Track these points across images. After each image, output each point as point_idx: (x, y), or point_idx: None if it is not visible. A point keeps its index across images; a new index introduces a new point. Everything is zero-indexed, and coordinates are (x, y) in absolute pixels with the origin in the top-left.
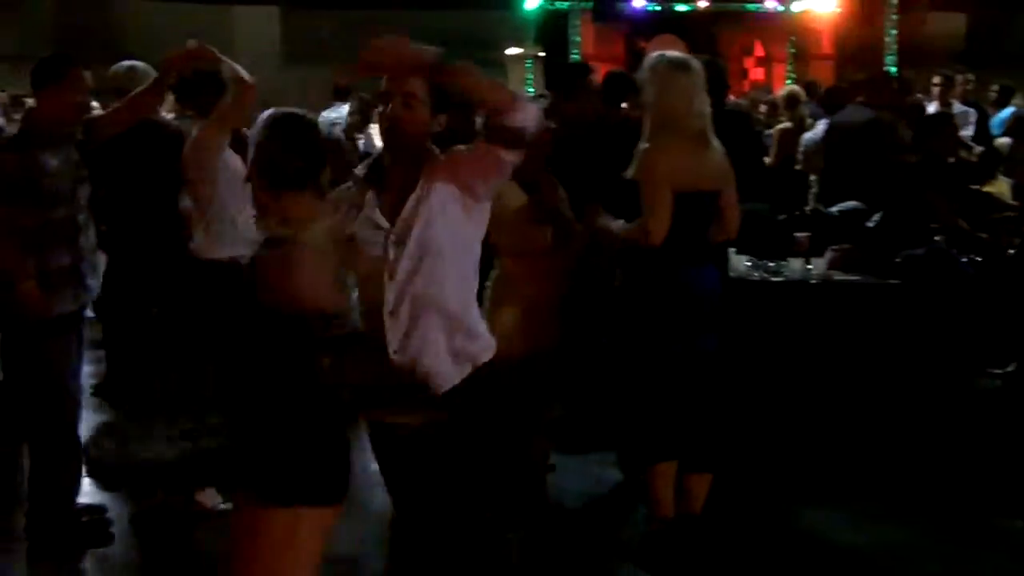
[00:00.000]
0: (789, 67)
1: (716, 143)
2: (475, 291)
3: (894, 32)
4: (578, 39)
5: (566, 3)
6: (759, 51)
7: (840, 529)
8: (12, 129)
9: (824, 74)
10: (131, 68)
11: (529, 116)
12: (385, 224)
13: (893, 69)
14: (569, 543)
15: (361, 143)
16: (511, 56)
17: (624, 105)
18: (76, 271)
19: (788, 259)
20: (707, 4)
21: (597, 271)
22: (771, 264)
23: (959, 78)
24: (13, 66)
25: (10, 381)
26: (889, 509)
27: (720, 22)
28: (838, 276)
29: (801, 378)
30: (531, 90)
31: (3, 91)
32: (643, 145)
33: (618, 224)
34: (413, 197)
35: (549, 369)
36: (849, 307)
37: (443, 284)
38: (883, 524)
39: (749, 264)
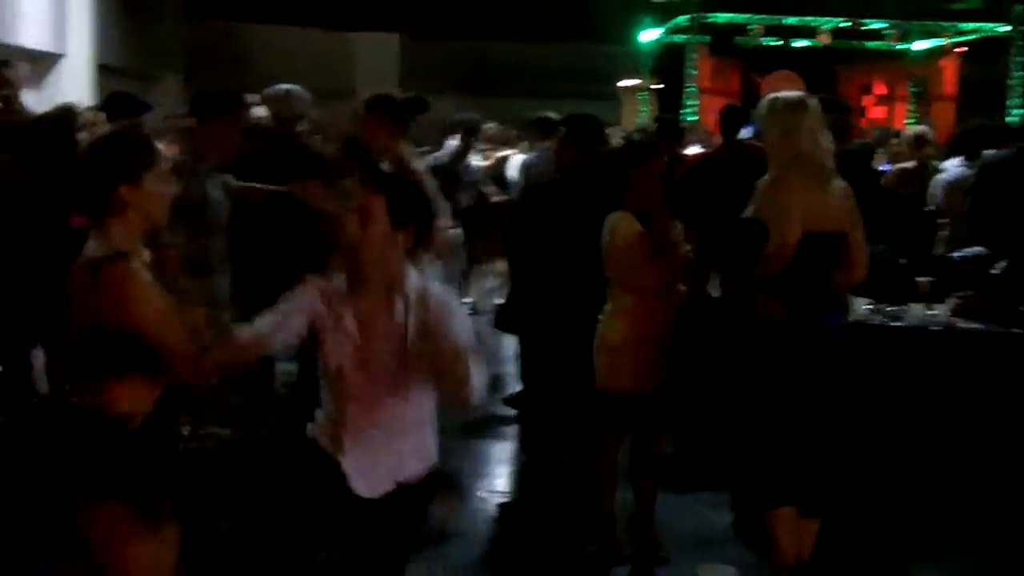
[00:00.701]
0: (910, 107)
1: (840, 182)
2: None
3: (1019, 75)
4: (694, 72)
5: (683, 36)
6: (879, 89)
7: None
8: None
9: (946, 115)
10: (288, 93)
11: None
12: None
13: (1017, 111)
14: None
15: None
16: (624, 88)
17: (741, 137)
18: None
19: (909, 304)
20: (827, 40)
21: (710, 306)
22: (891, 308)
23: None
24: (143, 84)
25: None
26: (1009, 567)
27: (839, 59)
28: (961, 323)
29: (918, 426)
30: (643, 120)
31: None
32: (765, 180)
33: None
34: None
35: (658, 405)
36: (971, 356)
37: None
38: None
39: (869, 308)
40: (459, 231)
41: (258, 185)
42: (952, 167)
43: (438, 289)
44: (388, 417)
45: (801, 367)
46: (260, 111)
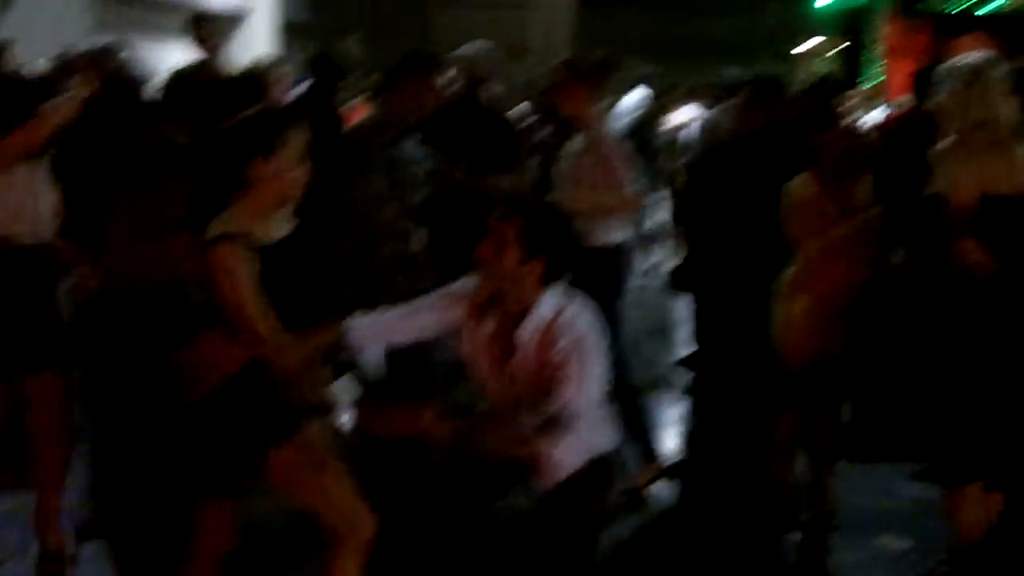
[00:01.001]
0: None
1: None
2: None
3: None
4: (882, 33)
5: None
6: None
7: None
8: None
9: None
10: (478, 52)
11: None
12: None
13: None
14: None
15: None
16: (800, 53)
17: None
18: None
19: None
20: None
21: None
22: None
23: None
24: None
25: None
26: None
27: None
28: None
29: None
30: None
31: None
32: (939, 149)
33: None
34: None
35: (838, 373)
36: None
37: None
38: None
39: None
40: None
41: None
42: None
43: (577, 326)
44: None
45: (1004, 328)
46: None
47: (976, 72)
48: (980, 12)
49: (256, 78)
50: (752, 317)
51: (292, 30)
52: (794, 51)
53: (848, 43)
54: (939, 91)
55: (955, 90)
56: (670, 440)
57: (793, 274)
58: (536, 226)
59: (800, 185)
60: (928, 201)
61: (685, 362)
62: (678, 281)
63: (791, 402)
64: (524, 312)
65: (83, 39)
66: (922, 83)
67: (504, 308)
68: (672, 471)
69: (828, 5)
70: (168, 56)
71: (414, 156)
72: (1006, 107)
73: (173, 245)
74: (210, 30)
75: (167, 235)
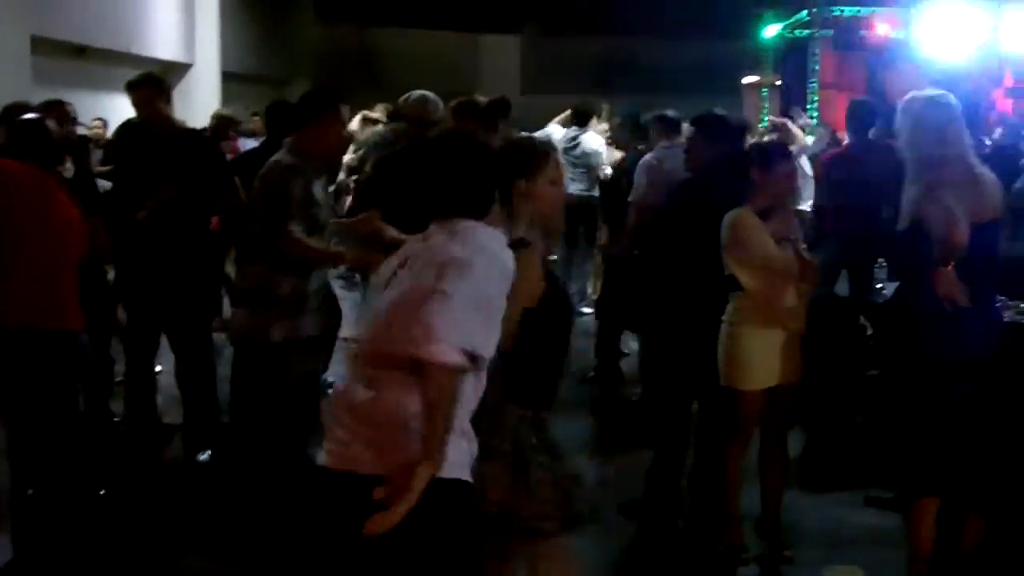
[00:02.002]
0: None
1: (989, 174)
2: None
3: None
4: (817, 67)
5: (806, 31)
6: (1008, 82)
7: None
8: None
9: None
10: (425, 98)
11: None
12: None
13: None
14: None
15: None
16: (747, 85)
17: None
18: (324, 296)
19: None
20: None
21: (839, 306)
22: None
23: None
24: (275, 90)
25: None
26: None
27: None
28: None
29: None
30: (766, 118)
31: (256, 115)
32: (919, 186)
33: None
34: None
35: (786, 404)
36: None
37: None
38: None
39: (1000, 304)
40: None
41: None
42: None
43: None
44: None
45: (977, 355)
46: (376, 113)
47: (934, 106)
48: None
49: (197, 132)
50: (699, 350)
51: (236, 79)
52: (743, 81)
53: (789, 77)
54: (902, 128)
55: (917, 126)
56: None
57: (736, 309)
58: None
59: (734, 216)
60: (907, 233)
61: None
62: (629, 320)
63: (741, 434)
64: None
65: (25, 93)
66: (858, 116)
67: None
68: (625, 509)
69: (774, 38)
70: (116, 106)
71: (321, 197)
72: (965, 136)
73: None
74: (140, 97)
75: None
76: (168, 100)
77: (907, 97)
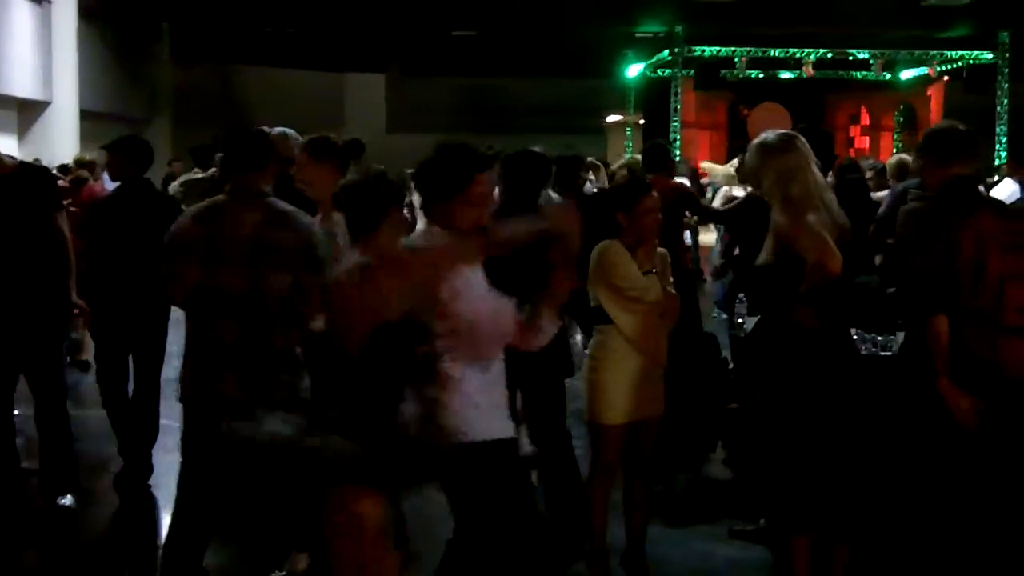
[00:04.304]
0: (896, 136)
1: (837, 207)
2: None
3: (1006, 101)
4: (679, 107)
5: (668, 71)
6: (865, 119)
7: None
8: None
9: None
10: (285, 135)
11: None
12: None
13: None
14: None
15: None
16: (611, 123)
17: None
18: None
19: (897, 333)
20: (811, 72)
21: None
22: (880, 338)
23: None
24: (133, 128)
25: None
26: None
27: (827, 89)
28: None
29: (917, 453)
30: (628, 155)
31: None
32: (784, 222)
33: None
34: None
35: (650, 439)
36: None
37: None
38: None
39: (857, 337)
40: None
41: None
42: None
43: None
44: None
45: (834, 380)
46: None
47: (784, 148)
48: (775, 80)
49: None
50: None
51: (94, 117)
52: (607, 120)
53: (651, 115)
54: (751, 168)
55: (770, 169)
56: None
57: (599, 343)
58: None
59: (607, 246)
60: (769, 268)
61: None
62: None
63: (606, 469)
64: None
65: None
66: (655, 157)
67: None
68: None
69: (636, 77)
70: None
71: None
72: (819, 174)
73: None
74: None
75: None
76: None
77: (755, 142)
